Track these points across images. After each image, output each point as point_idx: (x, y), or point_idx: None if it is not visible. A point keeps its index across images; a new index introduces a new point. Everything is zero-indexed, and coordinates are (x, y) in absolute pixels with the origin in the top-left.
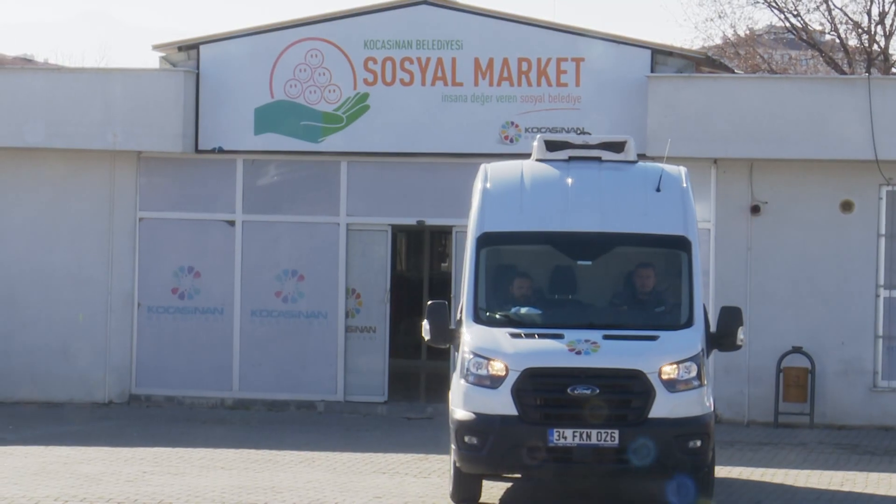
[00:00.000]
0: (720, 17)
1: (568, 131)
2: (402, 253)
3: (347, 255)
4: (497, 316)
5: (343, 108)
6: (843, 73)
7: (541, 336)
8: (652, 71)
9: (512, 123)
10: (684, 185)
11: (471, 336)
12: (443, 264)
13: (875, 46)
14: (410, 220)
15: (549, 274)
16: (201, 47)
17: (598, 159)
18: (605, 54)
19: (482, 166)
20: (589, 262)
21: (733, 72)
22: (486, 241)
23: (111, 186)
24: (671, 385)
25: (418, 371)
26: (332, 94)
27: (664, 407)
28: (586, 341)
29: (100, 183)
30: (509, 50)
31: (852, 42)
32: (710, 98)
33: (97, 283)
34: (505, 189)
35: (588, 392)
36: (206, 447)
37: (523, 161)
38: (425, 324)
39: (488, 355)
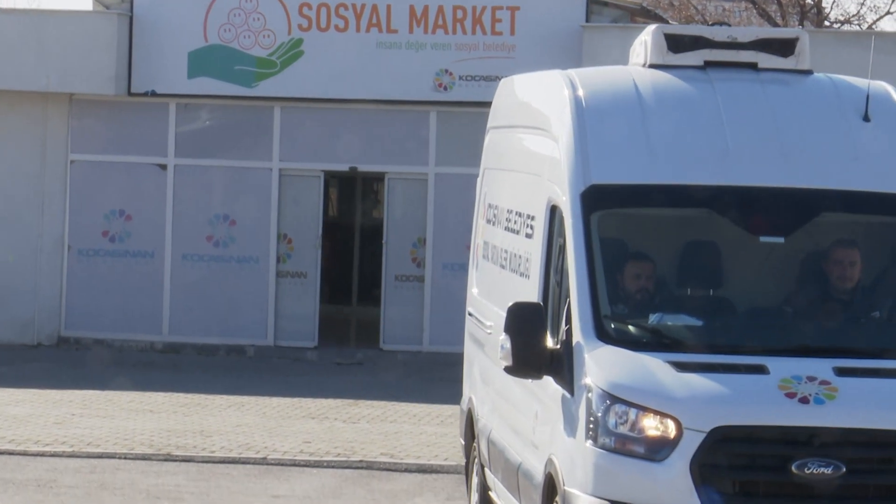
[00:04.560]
0: None
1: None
2: (333, 199)
3: (279, 200)
4: (636, 331)
5: (277, 54)
6: (777, 25)
7: (729, 369)
8: (587, 21)
9: (446, 71)
10: None
11: (599, 365)
12: (374, 211)
13: None
14: (343, 167)
15: (713, 258)
16: None
17: (754, 66)
18: (541, 3)
19: (558, 76)
20: (780, 239)
21: (668, 23)
22: (599, 199)
23: (43, 129)
24: None
25: (349, 317)
26: (267, 39)
27: None
28: (810, 379)
29: (32, 125)
30: None
31: None
32: None
33: (28, 225)
34: (615, 113)
35: (829, 471)
36: (135, 390)
37: (629, 68)
38: (505, 341)
39: (640, 401)
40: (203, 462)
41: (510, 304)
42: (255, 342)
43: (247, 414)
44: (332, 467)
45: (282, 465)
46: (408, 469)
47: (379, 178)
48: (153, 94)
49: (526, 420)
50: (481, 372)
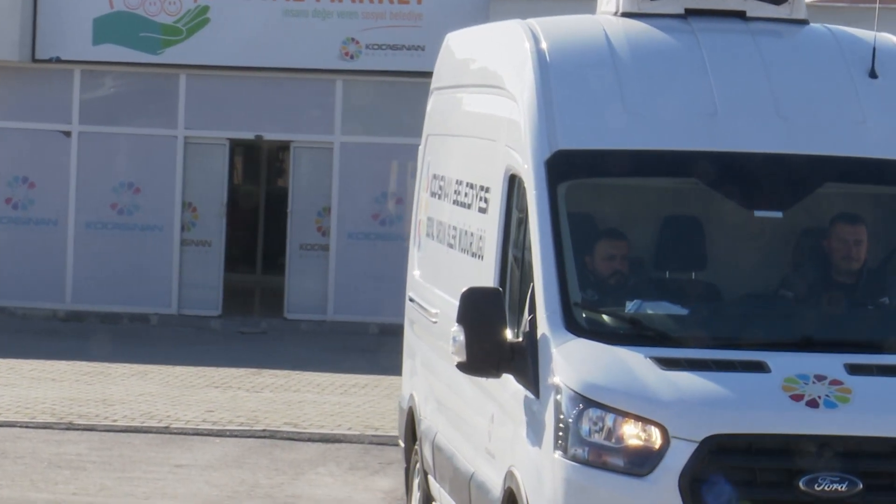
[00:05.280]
0: None
1: (409, 48)
2: (239, 167)
3: (185, 168)
4: (612, 321)
5: (183, 21)
6: None
7: (722, 366)
8: None
9: (353, 40)
10: None
11: (569, 362)
12: (279, 179)
13: None
14: (249, 135)
15: (700, 236)
16: None
17: (742, 15)
18: None
19: (517, 26)
20: (777, 214)
21: None
22: (566, 167)
23: None
24: None
25: (253, 286)
26: (172, 6)
27: None
28: (819, 379)
29: None
30: None
31: None
32: None
33: None
34: (584, 68)
35: (843, 488)
36: (37, 358)
37: (599, 17)
38: (458, 333)
39: (619, 405)
40: (105, 431)
41: (463, 289)
42: (159, 310)
43: (150, 383)
44: (235, 436)
45: (184, 434)
46: (311, 438)
47: (284, 146)
48: (58, 60)
49: (480, 424)
50: (425, 365)
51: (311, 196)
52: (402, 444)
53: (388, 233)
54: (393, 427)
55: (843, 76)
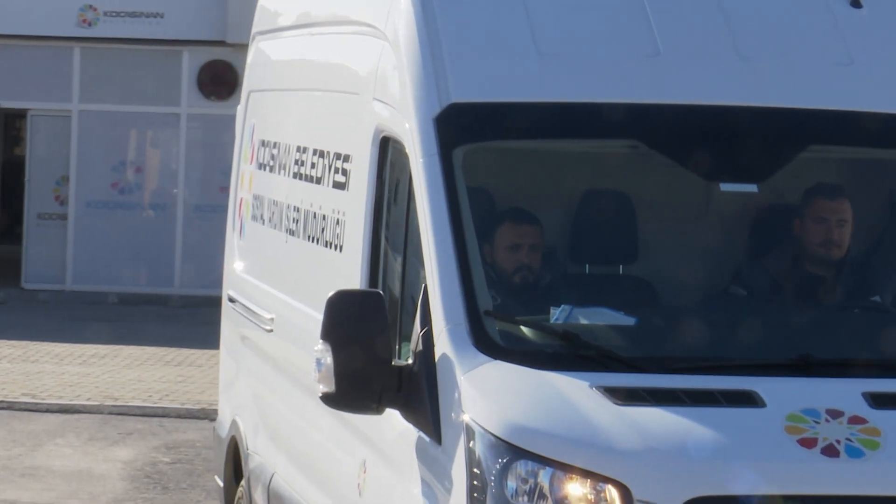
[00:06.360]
0: None
1: (148, 16)
2: None
3: None
4: (537, 335)
5: None
6: None
7: (699, 398)
8: None
9: (90, 7)
10: None
11: (483, 394)
12: (17, 148)
13: None
14: None
15: (647, 217)
16: None
17: None
18: None
19: None
20: (751, 187)
21: None
22: (463, 127)
23: None
24: None
25: None
26: None
27: None
28: (833, 415)
29: None
30: None
31: None
32: None
33: None
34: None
35: None
36: None
37: None
38: (323, 355)
39: (559, 455)
40: None
41: (330, 293)
42: None
43: None
44: None
45: None
46: (49, 409)
47: (21, 114)
48: None
49: (345, 471)
50: (255, 384)
51: (49, 165)
52: (221, 483)
53: (127, 202)
54: (133, 397)
55: (820, 5)
